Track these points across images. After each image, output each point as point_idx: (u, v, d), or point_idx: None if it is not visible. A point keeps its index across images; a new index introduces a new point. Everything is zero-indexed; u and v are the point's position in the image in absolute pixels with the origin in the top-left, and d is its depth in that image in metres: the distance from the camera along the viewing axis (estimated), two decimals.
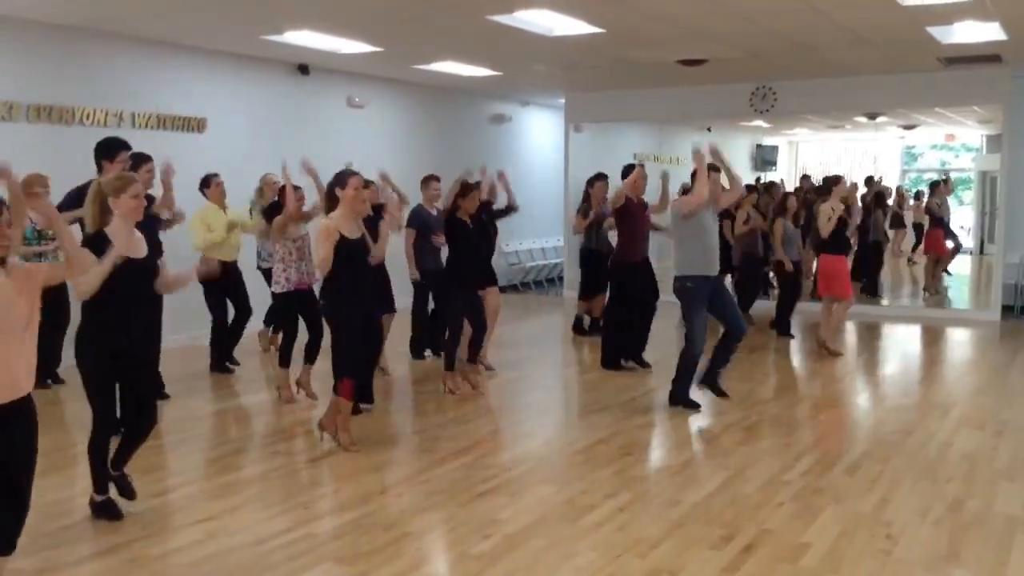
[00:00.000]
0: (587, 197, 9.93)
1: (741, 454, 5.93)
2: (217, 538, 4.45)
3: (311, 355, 7.09)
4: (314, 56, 10.31)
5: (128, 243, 4.39)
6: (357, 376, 5.95)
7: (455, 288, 7.40)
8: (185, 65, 9.71)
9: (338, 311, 5.87)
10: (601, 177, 9.92)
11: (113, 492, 4.72)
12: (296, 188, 7.15)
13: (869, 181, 14.99)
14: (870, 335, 10.97)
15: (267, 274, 8.81)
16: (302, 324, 7.16)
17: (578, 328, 10.47)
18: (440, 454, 5.84)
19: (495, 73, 11.64)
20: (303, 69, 10.95)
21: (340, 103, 11.69)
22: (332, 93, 11.56)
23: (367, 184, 6.10)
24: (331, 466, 5.79)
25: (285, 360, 7.23)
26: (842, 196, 9.44)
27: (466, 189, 7.37)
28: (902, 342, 11.02)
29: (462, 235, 7.38)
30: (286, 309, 7.25)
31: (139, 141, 8.95)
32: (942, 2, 7.51)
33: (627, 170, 8.38)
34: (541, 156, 15.72)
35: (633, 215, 8.21)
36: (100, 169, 6.06)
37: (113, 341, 4.43)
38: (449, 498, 5.06)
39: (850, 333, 10.85)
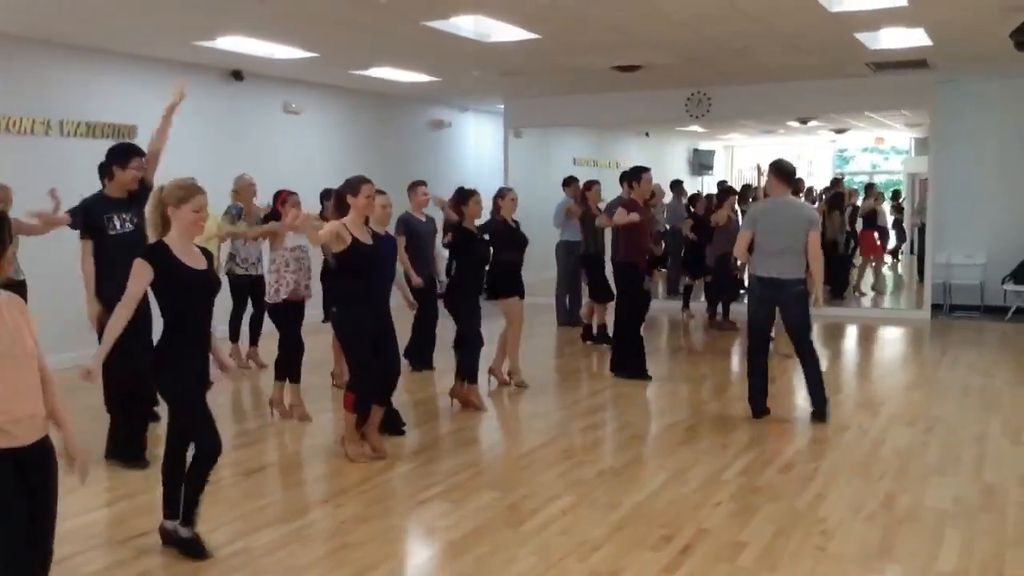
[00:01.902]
0: (583, 200, 10.22)
1: (681, 455, 6.00)
2: (152, 554, 4.36)
3: (294, 373, 6.84)
4: (248, 62, 10.19)
5: (187, 256, 4.15)
6: (364, 390, 5.73)
7: (465, 299, 7.15)
8: (114, 72, 9.51)
9: (348, 321, 5.71)
10: (595, 182, 10.41)
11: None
12: (292, 193, 6.91)
13: (835, 183, 15.24)
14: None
15: (240, 281, 8.60)
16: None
17: (588, 335, 10.24)
18: (382, 463, 5.80)
19: (433, 79, 11.62)
20: (237, 75, 10.82)
21: (276, 110, 11.56)
22: (267, 99, 11.43)
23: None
24: (269, 478, 5.72)
25: (290, 374, 6.89)
26: None
27: (465, 196, 7.19)
28: (836, 341, 11.24)
29: (471, 244, 7.16)
30: (279, 321, 6.81)
31: (68, 150, 8.86)
32: (868, 8, 7.69)
33: (636, 173, 8.34)
34: (481, 162, 15.74)
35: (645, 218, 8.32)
36: (111, 176, 5.72)
37: (194, 365, 4.17)
38: (390, 507, 5.04)
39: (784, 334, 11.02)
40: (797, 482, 5.41)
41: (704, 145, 21.85)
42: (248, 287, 8.63)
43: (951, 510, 4.90)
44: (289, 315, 6.77)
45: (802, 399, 7.93)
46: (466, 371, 7.21)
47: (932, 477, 5.52)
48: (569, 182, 11.19)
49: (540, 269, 11.63)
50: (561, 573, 4.12)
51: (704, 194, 13.16)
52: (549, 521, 4.75)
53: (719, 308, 11.42)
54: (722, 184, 13.34)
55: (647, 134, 18.51)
